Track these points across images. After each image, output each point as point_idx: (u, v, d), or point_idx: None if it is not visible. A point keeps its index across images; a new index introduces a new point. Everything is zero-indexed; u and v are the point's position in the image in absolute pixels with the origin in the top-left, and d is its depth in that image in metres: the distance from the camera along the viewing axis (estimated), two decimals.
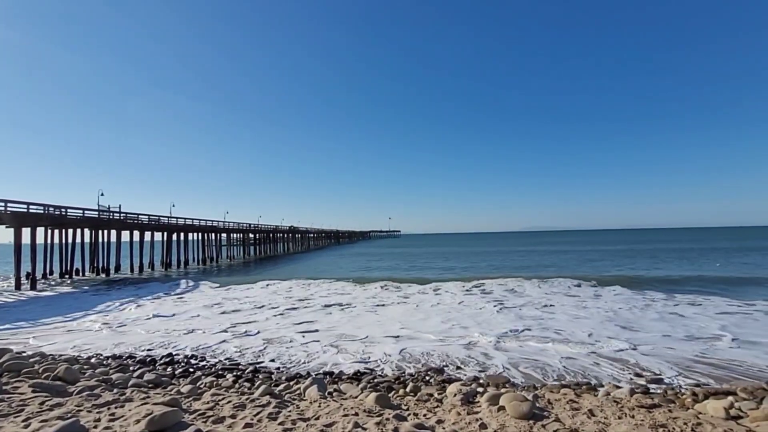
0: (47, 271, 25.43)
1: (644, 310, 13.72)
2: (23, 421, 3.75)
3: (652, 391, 6.43)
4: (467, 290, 19.26)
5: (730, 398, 5.11)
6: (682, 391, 6.45)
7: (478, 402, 4.92)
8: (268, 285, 22.07)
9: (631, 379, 7.33)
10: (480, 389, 5.93)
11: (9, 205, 21.72)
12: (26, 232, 23.30)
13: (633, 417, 4.28)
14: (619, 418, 4.27)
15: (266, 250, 59.07)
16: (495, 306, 14.78)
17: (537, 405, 4.63)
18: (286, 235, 71.32)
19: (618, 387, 6.47)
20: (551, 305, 14.86)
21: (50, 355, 8.58)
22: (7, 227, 22.81)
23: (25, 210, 22.83)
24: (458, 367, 8.23)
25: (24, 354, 8.32)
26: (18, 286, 21.81)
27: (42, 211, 23.98)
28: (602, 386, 6.71)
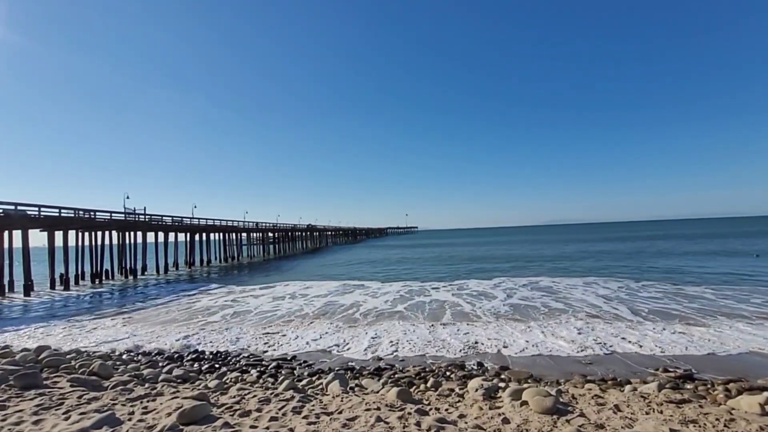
0: (79, 272, 26.55)
1: None
2: (64, 413, 3.96)
3: (681, 386, 6.23)
4: None
5: (766, 394, 4.90)
6: (715, 386, 6.23)
7: (500, 397, 4.90)
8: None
9: (659, 374, 7.13)
10: (502, 384, 5.90)
11: (42, 210, 22.78)
12: (58, 235, 24.43)
13: (661, 412, 4.17)
14: (647, 413, 4.17)
15: (285, 249, 60.00)
16: None
17: (561, 400, 4.57)
18: (304, 234, 72.23)
19: (645, 382, 6.30)
20: None
21: (85, 351, 8.99)
22: (41, 231, 23.96)
23: (57, 214, 23.87)
24: (479, 363, 8.18)
25: (61, 350, 8.75)
26: (52, 286, 22.88)
27: (72, 215, 25.03)
28: (629, 382, 6.56)
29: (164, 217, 34.82)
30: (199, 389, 5.31)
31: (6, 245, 21.88)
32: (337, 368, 7.92)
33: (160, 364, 8.14)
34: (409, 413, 4.09)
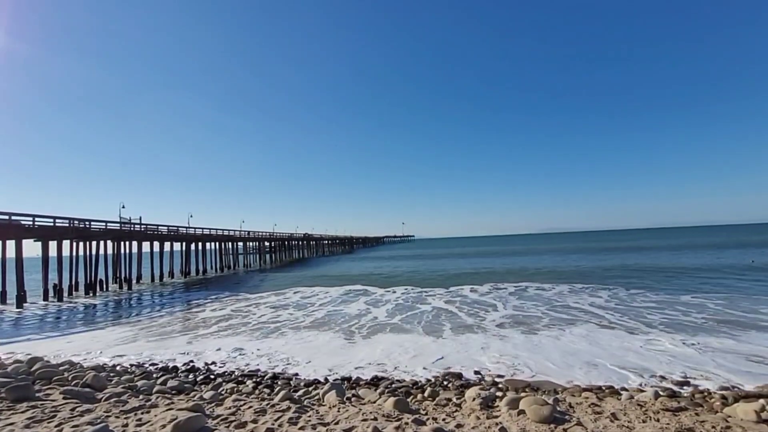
0: (73, 283, 26.23)
1: None
2: (56, 426, 3.91)
3: (678, 394, 6.24)
4: None
5: (762, 401, 4.92)
6: (711, 394, 6.24)
7: (498, 406, 4.88)
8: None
9: (657, 382, 7.14)
10: (499, 393, 5.88)
11: (37, 219, 22.61)
12: (52, 244, 24.21)
13: (658, 420, 4.18)
14: (644, 421, 4.18)
15: (281, 258, 59.75)
16: None
17: (558, 409, 4.57)
18: (300, 243, 72.00)
19: (642, 390, 6.31)
20: None
21: (78, 362, 8.87)
22: (35, 241, 23.73)
23: (52, 224, 23.68)
24: (476, 372, 8.15)
25: (54, 362, 8.63)
26: (45, 297, 22.60)
27: (67, 225, 24.83)
28: (626, 389, 6.56)
29: (160, 227, 34.64)
30: (194, 400, 5.25)
31: None
32: (333, 378, 7.87)
33: (155, 375, 8.04)
34: (406, 423, 4.07)
